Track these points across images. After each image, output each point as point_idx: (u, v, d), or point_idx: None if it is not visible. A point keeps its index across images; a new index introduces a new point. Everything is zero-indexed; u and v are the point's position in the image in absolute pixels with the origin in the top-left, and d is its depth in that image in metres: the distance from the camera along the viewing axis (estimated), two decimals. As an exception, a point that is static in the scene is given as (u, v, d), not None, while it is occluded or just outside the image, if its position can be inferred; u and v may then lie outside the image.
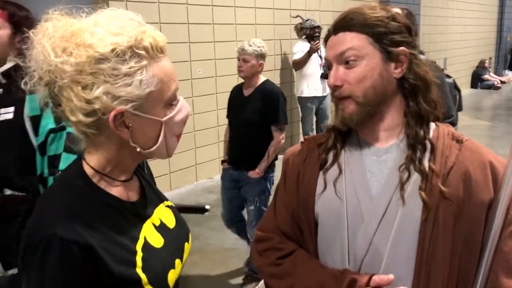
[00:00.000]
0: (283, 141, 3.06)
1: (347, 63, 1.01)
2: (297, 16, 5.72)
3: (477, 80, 12.37)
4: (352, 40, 1.00)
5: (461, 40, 11.72)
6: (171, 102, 0.89)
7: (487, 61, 12.64)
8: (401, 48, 1.01)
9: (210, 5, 5.04)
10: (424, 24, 9.32)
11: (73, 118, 0.82)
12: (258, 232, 1.20)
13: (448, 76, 3.02)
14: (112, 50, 0.80)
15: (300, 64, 5.52)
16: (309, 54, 5.39)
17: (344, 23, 1.02)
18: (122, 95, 0.81)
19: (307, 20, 5.61)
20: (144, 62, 0.83)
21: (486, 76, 12.41)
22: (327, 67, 1.06)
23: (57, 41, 0.81)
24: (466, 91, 11.85)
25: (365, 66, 0.99)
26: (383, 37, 1.00)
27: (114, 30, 0.81)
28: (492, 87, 12.15)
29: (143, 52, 0.82)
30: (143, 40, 0.82)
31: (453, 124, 2.58)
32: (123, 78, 0.81)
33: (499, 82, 12.37)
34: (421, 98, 1.03)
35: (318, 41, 5.34)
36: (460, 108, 3.17)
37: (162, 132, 0.88)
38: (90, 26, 0.82)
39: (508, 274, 0.98)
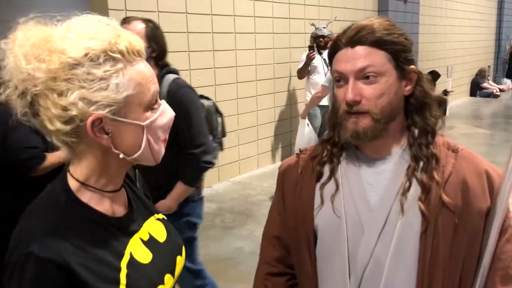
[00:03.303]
0: None
1: (366, 78, 0.98)
2: (312, 24, 5.73)
3: (476, 88, 12.39)
4: (371, 56, 0.98)
5: (460, 48, 11.77)
6: (151, 106, 0.87)
7: (486, 70, 12.67)
8: (412, 66, 1.03)
9: (209, 14, 5.07)
10: (423, 32, 9.36)
11: (51, 127, 0.80)
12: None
13: (207, 98, 2.46)
14: (85, 55, 0.78)
15: (300, 73, 5.52)
16: (305, 64, 5.40)
17: (362, 37, 0.99)
18: (98, 99, 0.79)
19: (316, 28, 5.63)
20: (120, 66, 0.81)
21: (485, 85, 12.43)
22: (338, 79, 1.03)
23: (29, 48, 0.79)
24: (465, 99, 11.89)
25: (385, 82, 0.98)
26: (399, 55, 1.00)
27: (87, 34, 0.80)
28: (491, 95, 12.17)
29: (118, 56, 0.81)
30: (117, 43, 0.81)
31: (206, 152, 2.13)
32: (98, 82, 0.79)
33: (498, 90, 12.38)
34: (428, 113, 1.04)
35: (312, 51, 5.35)
36: (223, 134, 2.61)
37: (145, 137, 0.86)
38: (62, 32, 0.81)
39: (504, 281, 0.99)
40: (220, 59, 5.23)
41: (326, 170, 1.09)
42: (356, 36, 0.99)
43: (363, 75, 0.98)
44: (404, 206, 0.99)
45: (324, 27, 5.62)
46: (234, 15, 5.37)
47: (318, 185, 1.09)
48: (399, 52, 1.00)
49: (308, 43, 5.62)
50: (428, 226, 0.97)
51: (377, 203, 1.02)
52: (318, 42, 5.52)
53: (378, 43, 0.98)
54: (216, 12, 5.13)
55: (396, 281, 0.99)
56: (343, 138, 1.04)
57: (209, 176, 5.24)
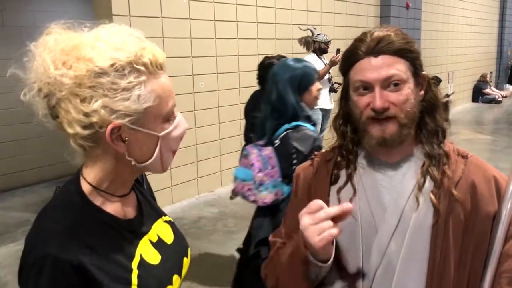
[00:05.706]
0: None
1: (394, 85, 1.02)
2: (308, 29, 5.75)
3: (478, 94, 12.39)
4: (395, 64, 1.03)
5: (462, 54, 11.78)
6: (168, 118, 0.89)
7: (488, 75, 12.68)
8: (424, 72, 1.09)
9: (212, 20, 5.10)
10: (425, 38, 9.38)
11: (70, 131, 0.83)
12: (270, 238, 1.27)
13: None
14: (112, 65, 0.80)
15: (321, 77, 5.41)
16: (330, 67, 5.42)
17: (384, 47, 1.03)
18: (120, 109, 0.81)
19: (319, 34, 5.64)
20: (143, 78, 0.83)
21: (487, 90, 12.43)
22: (360, 87, 1.05)
23: (58, 54, 0.81)
24: (467, 105, 11.89)
25: (407, 89, 1.03)
26: (416, 62, 1.06)
27: (115, 45, 0.82)
28: (493, 101, 12.17)
29: (142, 68, 0.83)
30: (142, 56, 0.83)
31: None
32: (121, 92, 0.81)
33: (500, 96, 12.38)
34: (438, 115, 1.11)
35: (339, 54, 5.37)
36: None
37: (158, 147, 0.89)
38: (91, 40, 0.83)
39: (511, 284, 1.00)
40: (223, 65, 5.26)
41: (343, 174, 1.13)
42: (378, 46, 1.03)
43: (389, 83, 1.02)
44: (419, 200, 1.03)
45: (323, 33, 5.65)
46: (237, 21, 5.41)
47: (334, 189, 1.13)
48: (415, 59, 1.06)
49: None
50: (439, 219, 1.01)
51: (391, 205, 1.06)
52: (326, 48, 5.57)
53: (399, 52, 1.03)
54: (219, 18, 5.17)
55: (407, 281, 1.02)
56: (367, 144, 1.08)
57: (211, 180, 5.27)
